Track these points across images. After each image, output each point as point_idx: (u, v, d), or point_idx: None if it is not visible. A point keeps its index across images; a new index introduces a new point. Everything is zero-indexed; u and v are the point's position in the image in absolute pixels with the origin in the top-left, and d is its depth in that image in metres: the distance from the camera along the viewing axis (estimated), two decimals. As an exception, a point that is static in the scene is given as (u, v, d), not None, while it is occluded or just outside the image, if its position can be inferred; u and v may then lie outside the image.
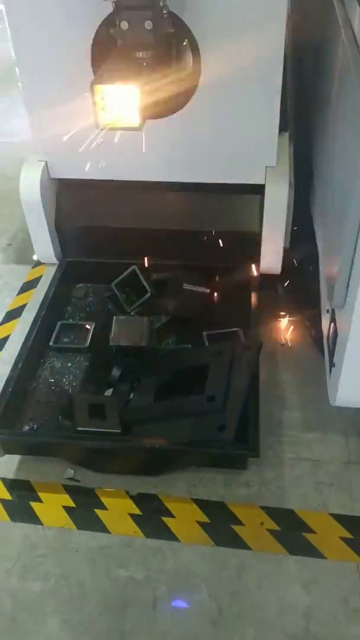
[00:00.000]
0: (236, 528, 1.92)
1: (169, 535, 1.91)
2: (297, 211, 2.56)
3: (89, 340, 2.47)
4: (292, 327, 2.59)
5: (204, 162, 2.50)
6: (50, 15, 2.24)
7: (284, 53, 2.25)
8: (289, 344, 2.53)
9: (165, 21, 1.98)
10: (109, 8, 2.00)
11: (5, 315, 2.79)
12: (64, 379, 2.35)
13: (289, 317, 2.61)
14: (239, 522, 1.94)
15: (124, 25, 1.89)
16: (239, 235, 2.60)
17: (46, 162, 2.65)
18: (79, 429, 2.03)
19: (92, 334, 2.49)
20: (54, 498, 2.03)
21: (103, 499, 2.02)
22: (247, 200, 2.58)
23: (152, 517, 1.96)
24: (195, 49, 2.23)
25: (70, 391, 2.29)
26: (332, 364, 1.93)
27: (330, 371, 1.97)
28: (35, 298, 2.79)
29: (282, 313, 2.62)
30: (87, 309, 2.68)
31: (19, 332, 2.62)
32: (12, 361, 2.29)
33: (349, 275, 1.67)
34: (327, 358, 2.03)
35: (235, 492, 2.02)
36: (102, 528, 1.94)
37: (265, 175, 2.48)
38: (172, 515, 1.96)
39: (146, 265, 2.60)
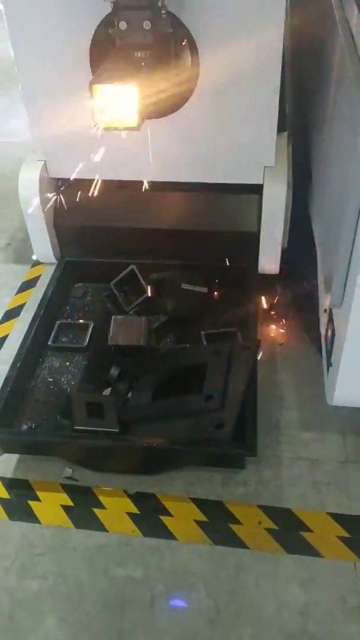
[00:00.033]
0: (234, 527, 1.93)
1: (167, 534, 1.92)
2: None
3: (87, 339, 2.47)
4: (290, 326, 2.59)
5: (203, 162, 2.51)
6: (49, 15, 2.24)
7: (283, 53, 2.26)
8: (287, 344, 2.53)
9: (163, 21, 1.98)
10: (107, 8, 2.01)
11: (4, 315, 2.79)
12: (63, 379, 2.36)
13: (287, 316, 2.62)
14: (236, 521, 1.94)
15: (123, 25, 1.89)
16: (238, 235, 2.61)
17: (45, 162, 2.66)
18: (76, 428, 2.03)
19: (91, 334, 2.49)
20: (52, 497, 2.04)
21: (101, 498, 2.03)
22: (245, 200, 2.59)
23: (150, 516, 1.97)
24: (193, 49, 2.23)
25: (68, 390, 2.29)
26: (329, 364, 1.93)
27: (327, 370, 1.97)
28: (34, 297, 2.80)
29: (280, 313, 2.62)
30: (86, 309, 2.68)
31: (17, 331, 2.63)
32: (11, 360, 2.29)
33: (346, 275, 1.67)
34: (324, 357, 2.03)
35: (233, 491, 2.02)
36: (100, 527, 1.95)
37: (264, 175, 2.49)
38: (170, 514, 1.97)
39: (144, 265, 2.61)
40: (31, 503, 2.02)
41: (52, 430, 2.16)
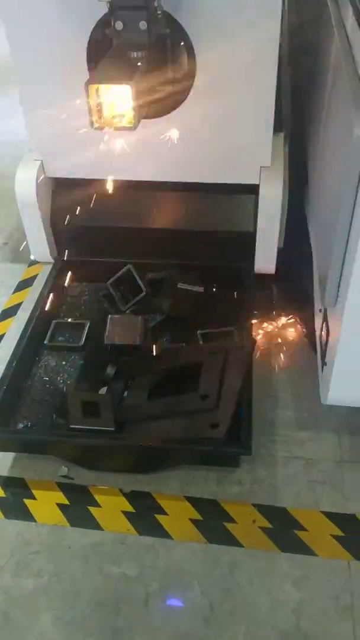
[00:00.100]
0: (228, 526, 1.93)
1: (162, 533, 1.92)
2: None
3: (83, 338, 2.48)
4: (286, 326, 2.60)
5: (199, 162, 2.52)
6: (46, 15, 2.24)
7: (280, 53, 2.27)
8: (283, 343, 2.54)
9: (159, 21, 1.99)
10: (104, 8, 2.02)
11: (1, 314, 2.80)
12: (59, 377, 2.36)
13: (283, 316, 2.63)
14: (231, 520, 1.95)
15: (119, 25, 1.90)
16: (234, 235, 2.62)
17: (42, 161, 2.66)
18: (72, 426, 2.04)
19: (87, 333, 2.49)
20: (48, 495, 2.04)
21: (96, 497, 2.03)
22: (241, 200, 2.59)
23: (145, 515, 1.97)
24: (190, 49, 2.24)
25: (64, 389, 2.30)
26: (324, 363, 1.94)
27: (322, 370, 1.98)
28: (31, 297, 2.80)
29: (276, 312, 2.63)
30: (82, 308, 2.69)
31: (14, 330, 2.63)
32: (7, 359, 2.30)
33: (340, 275, 1.68)
34: (319, 357, 2.04)
35: (228, 490, 2.03)
36: (96, 525, 1.95)
37: (260, 175, 2.49)
38: (165, 513, 1.98)
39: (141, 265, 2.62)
40: (27, 501, 2.03)
41: (48, 429, 2.17)
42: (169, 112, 2.39)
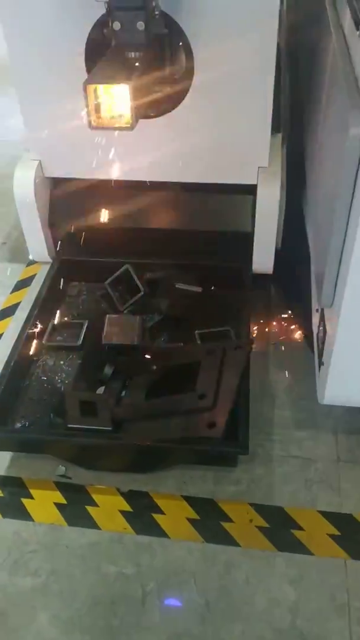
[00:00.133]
0: (225, 525, 1.94)
1: (159, 532, 1.93)
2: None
3: (81, 338, 2.48)
4: (283, 326, 2.61)
5: (197, 162, 2.52)
6: (44, 15, 2.25)
7: (278, 54, 2.27)
8: (280, 343, 2.55)
9: (157, 22, 1.99)
10: (102, 8, 2.02)
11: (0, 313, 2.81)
12: (57, 377, 2.36)
13: (281, 316, 2.63)
14: (228, 519, 1.95)
15: (117, 25, 1.90)
16: (232, 235, 2.62)
17: (40, 161, 2.67)
18: (70, 426, 2.04)
19: (85, 332, 2.50)
20: (45, 495, 2.05)
21: (94, 496, 2.04)
22: (239, 200, 2.60)
23: (142, 514, 1.98)
24: (187, 49, 2.24)
25: (62, 389, 2.30)
26: (321, 363, 1.95)
27: (319, 370, 1.99)
28: (29, 296, 2.80)
29: (274, 312, 2.64)
30: (80, 308, 2.69)
31: (12, 330, 2.64)
32: (5, 359, 2.30)
33: (337, 275, 1.69)
34: (316, 357, 2.05)
35: (225, 489, 2.04)
36: (93, 524, 1.96)
37: (258, 176, 2.50)
38: (162, 512, 1.98)
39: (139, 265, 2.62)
40: (24, 501, 2.03)
41: (46, 429, 2.17)
42: (167, 113, 2.40)
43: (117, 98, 2.00)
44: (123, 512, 1.99)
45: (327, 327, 1.88)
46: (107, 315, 2.46)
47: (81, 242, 2.72)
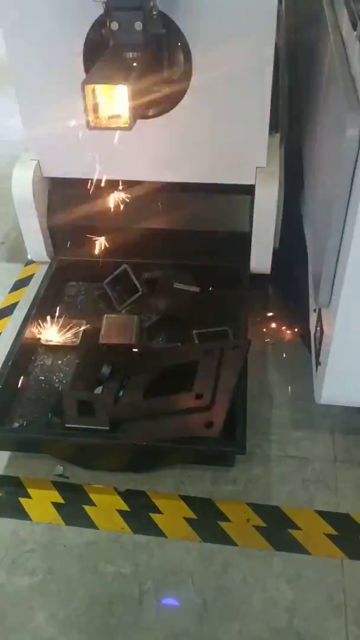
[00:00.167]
0: (223, 524, 1.94)
1: (157, 531, 1.93)
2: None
3: (79, 338, 2.48)
4: (281, 326, 2.61)
5: (195, 162, 2.52)
6: (43, 15, 2.25)
7: (277, 54, 2.28)
8: (278, 343, 2.55)
9: (155, 22, 1.99)
10: (100, 8, 2.02)
11: (-2, 313, 2.81)
12: (54, 377, 2.37)
13: (279, 316, 2.64)
14: (225, 519, 1.96)
15: (114, 26, 1.90)
16: (230, 235, 2.63)
17: (38, 161, 2.67)
18: (67, 425, 2.05)
19: (83, 332, 2.50)
20: (43, 494, 2.05)
21: (92, 496, 2.04)
22: (237, 200, 2.60)
23: (139, 513, 1.98)
24: (186, 49, 2.25)
25: (60, 389, 2.31)
26: (318, 363, 1.95)
27: (316, 370, 1.99)
28: (28, 296, 2.81)
29: (272, 312, 2.64)
30: (79, 307, 2.70)
31: (10, 329, 2.64)
32: (3, 358, 2.30)
33: (334, 275, 1.69)
34: (313, 356, 2.05)
35: (223, 488, 2.04)
36: (91, 524, 1.96)
37: (256, 176, 2.50)
38: (159, 512, 1.99)
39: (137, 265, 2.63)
40: (22, 500, 2.03)
41: (44, 428, 2.17)
42: (165, 113, 2.40)
43: (115, 98, 1.99)
44: (121, 512, 1.99)
45: (324, 327, 1.88)
46: (105, 315, 2.47)
47: (79, 242, 2.72)
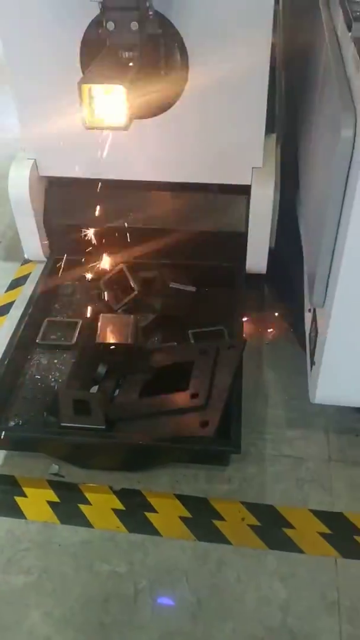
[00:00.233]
0: (217, 523, 1.95)
1: (151, 530, 1.94)
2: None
3: (75, 337, 2.49)
4: (276, 326, 2.62)
5: (191, 162, 2.53)
6: (40, 15, 2.25)
7: (273, 54, 2.28)
8: (274, 343, 2.56)
9: (151, 22, 2.00)
10: (97, 8, 2.02)
11: (-6, 312, 2.81)
12: (51, 376, 2.37)
13: (274, 316, 2.65)
14: (220, 518, 1.97)
15: (110, 25, 1.91)
16: (226, 235, 2.63)
17: (35, 160, 2.67)
18: (63, 424, 2.05)
19: (79, 332, 2.51)
20: (38, 493, 2.05)
21: (87, 494, 2.04)
22: (233, 200, 2.61)
23: (135, 512, 1.99)
24: (182, 49, 2.25)
25: (56, 388, 2.31)
26: (312, 362, 1.96)
27: (311, 369, 2.00)
28: (24, 295, 2.81)
29: (267, 312, 2.65)
30: (75, 307, 2.70)
31: (6, 328, 2.64)
32: (-1, 357, 2.31)
33: (328, 276, 1.70)
34: (308, 356, 2.06)
35: (218, 488, 2.05)
36: (86, 523, 1.97)
37: (252, 176, 2.51)
38: (154, 511, 1.99)
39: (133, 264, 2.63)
40: (17, 499, 2.04)
41: (39, 427, 2.17)
42: (162, 112, 2.40)
43: (111, 98, 2.00)
44: (116, 511, 2.00)
45: (319, 327, 1.89)
46: (101, 315, 2.47)
47: (76, 241, 2.73)
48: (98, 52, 2.10)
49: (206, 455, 2.09)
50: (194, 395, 2.07)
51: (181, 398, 2.09)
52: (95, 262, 2.70)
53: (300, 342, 2.45)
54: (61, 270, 2.77)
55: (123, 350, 2.37)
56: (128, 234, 2.67)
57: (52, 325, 2.56)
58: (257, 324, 2.62)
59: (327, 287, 1.73)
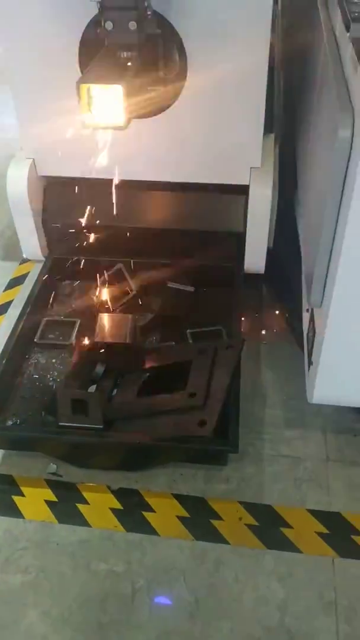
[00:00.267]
0: (215, 523, 1.95)
1: (149, 530, 1.94)
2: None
3: (74, 336, 2.49)
4: (275, 326, 2.62)
5: (190, 162, 2.53)
6: (39, 14, 2.25)
7: (272, 54, 2.28)
8: (272, 343, 2.56)
9: (149, 22, 2.00)
10: (96, 8, 2.02)
11: (-8, 311, 2.82)
12: (49, 375, 2.37)
13: (272, 316, 2.65)
14: (218, 517, 1.97)
15: (109, 25, 1.91)
16: (224, 235, 2.63)
17: (33, 160, 2.67)
18: (61, 424, 2.05)
19: (77, 331, 2.51)
20: (36, 492, 2.05)
21: (85, 494, 2.04)
22: (232, 200, 2.61)
23: (132, 512, 1.99)
24: (181, 49, 2.25)
25: (54, 387, 2.31)
26: (310, 362, 1.96)
27: (308, 369, 2.01)
28: (22, 294, 2.81)
29: (265, 312, 2.65)
30: (73, 306, 2.70)
31: (4, 327, 2.64)
32: (-3, 357, 2.31)
33: (326, 276, 1.70)
34: (306, 356, 2.06)
35: (215, 487, 2.05)
36: (84, 522, 1.97)
37: (250, 176, 2.51)
38: (152, 510, 1.99)
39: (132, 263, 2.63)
40: (15, 498, 2.04)
41: (37, 427, 2.17)
42: (160, 112, 2.41)
43: (109, 97, 2.00)
44: (114, 510, 2.00)
45: (316, 327, 1.89)
46: (99, 314, 2.47)
47: (74, 240, 2.73)
48: (97, 52, 2.10)
49: (204, 455, 2.09)
50: (192, 395, 2.07)
51: (179, 398, 2.09)
52: (93, 261, 2.70)
53: (298, 342, 2.45)
54: (59, 269, 2.77)
55: (121, 349, 2.37)
56: (126, 234, 2.66)
57: (50, 325, 2.56)
58: (255, 324, 2.62)
59: (324, 287, 1.73)
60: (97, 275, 2.62)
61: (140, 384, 2.23)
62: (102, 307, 2.57)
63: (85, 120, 2.05)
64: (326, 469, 2.09)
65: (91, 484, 2.07)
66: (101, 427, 2.06)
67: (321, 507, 1.98)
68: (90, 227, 2.70)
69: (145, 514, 1.98)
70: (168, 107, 2.39)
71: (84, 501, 2.02)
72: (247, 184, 2.51)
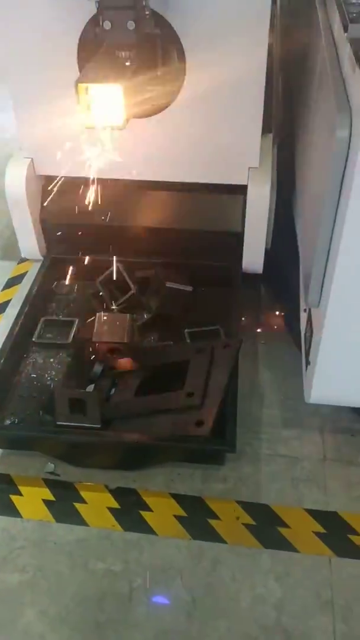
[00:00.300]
0: (212, 522, 1.96)
1: (147, 529, 1.94)
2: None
3: (72, 336, 2.49)
4: (272, 325, 2.62)
5: (188, 162, 2.53)
6: (37, 14, 2.25)
7: (271, 54, 2.29)
8: (269, 343, 2.57)
9: (147, 22, 2.00)
10: (94, 8, 2.03)
11: (-10, 311, 2.81)
12: (46, 375, 2.37)
13: (270, 315, 2.65)
14: (215, 517, 1.97)
15: (107, 25, 1.91)
16: (222, 235, 2.64)
17: (32, 159, 2.67)
18: (58, 423, 2.05)
19: (75, 330, 2.51)
20: (34, 492, 2.05)
21: (82, 493, 2.05)
22: (230, 200, 2.61)
23: (130, 511, 1.99)
24: (179, 49, 2.25)
25: (52, 386, 2.31)
26: (307, 362, 1.96)
27: (306, 369, 2.01)
28: (20, 294, 2.81)
29: (263, 312, 2.66)
30: (71, 306, 2.70)
31: (2, 327, 2.63)
32: (-5, 356, 2.31)
33: (323, 276, 1.71)
34: (303, 356, 2.07)
35: (213, 487, 2.05)
36: (81, 521, 1.97)
37: (248, 176, 2.51)
38: (150, 509, 2.00)
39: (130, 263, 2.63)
40: (13, 497, 2.04)
41: (35, 426, 2.18)
42: (159, 112, 2.41)
43: (108, 97, 2.00)
44: (111, 509, 2.00)
45: (314, 327, 1.90)
46: (97, 314, 2.48)
47: (72, 240, 2.73)
48: (95, 51, 2.10)
49: (202, 454, 2.09)
50: (189, 395, 2.07)
51: (177, 397, 2.10)
52: (91, 261, 2.70)
53: (295, 342, 2.45)
54: (57, 269, 2.77)
55: (119, 349, 2.37)
56: (124, 233, 2.67)
57: (48, 324, 2.56)
58: (253, 324, 2.63)
59: (322, 287, 1.74)
60: (95, 274, 2.62)
61: (138, 384, 2.24)
62: (100, 307, 2.57)
63: (84, 119, 2.05)
64: (323, 469, 2.09)
65: (89, 483, 2.07)
66: (99, 426, 2.07)
67: (318, 506, 1.99)
68: (88, 227, 2.70)
69: (142, 513, 1.99)
70: (166, 106, 2.39)
71: (82, 500, 2.03)
72: (245, 184, 2.52)
